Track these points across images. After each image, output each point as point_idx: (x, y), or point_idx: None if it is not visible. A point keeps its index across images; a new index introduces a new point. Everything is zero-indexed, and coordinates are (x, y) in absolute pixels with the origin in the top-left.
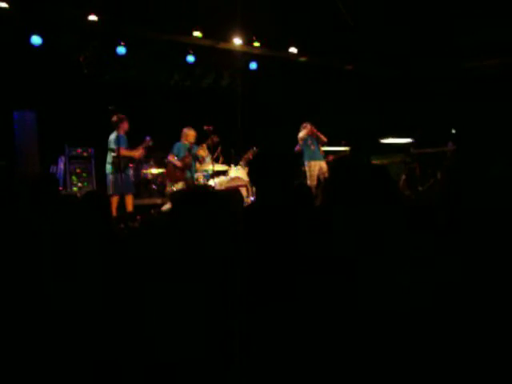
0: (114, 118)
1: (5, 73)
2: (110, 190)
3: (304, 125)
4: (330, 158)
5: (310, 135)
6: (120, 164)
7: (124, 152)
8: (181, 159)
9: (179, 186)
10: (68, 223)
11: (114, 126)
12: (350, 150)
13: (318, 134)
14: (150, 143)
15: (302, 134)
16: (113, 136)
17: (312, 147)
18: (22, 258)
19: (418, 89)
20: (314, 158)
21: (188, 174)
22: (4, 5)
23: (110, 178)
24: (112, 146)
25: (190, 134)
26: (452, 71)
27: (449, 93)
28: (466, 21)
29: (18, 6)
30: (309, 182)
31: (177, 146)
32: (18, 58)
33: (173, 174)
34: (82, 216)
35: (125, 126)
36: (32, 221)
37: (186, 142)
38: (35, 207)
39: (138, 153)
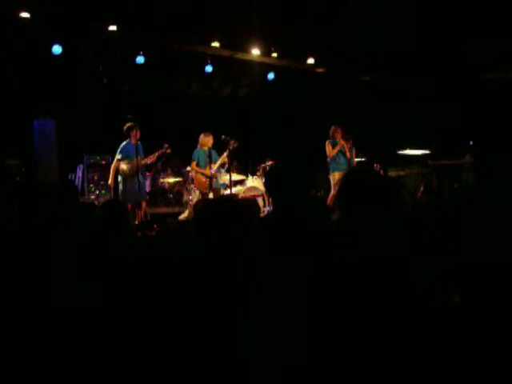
0: (124, 127)
1: (26, 81)
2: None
3: (333, 128)
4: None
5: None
6: (126, 173)
7: (117, 164)
8: (205, 168)
9: (197, 195)
10: (86, 230)
11: (125, 135)
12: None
13: (346, 147)
14: (168, 151)
15: (330, 152)
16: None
17: (337, 159)
18: (35, 258)
19: (435, 100)
20: (338, 169)
21: (217, 184)
22: (26, 14)
23: (120, 186)
24: (116, 155)
25: (207, 139)
26: (472, 83)
27: (468, 104)
28: (488, 31)
29: (40, 16)
30: (332, 191)
31: (196, 152)
32: (38, 67)
33: (203, 183)
34: (101, 224)
35: (135, 134)
36: (49, 225)
37: (205, 148)
38: (54, 213)
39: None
